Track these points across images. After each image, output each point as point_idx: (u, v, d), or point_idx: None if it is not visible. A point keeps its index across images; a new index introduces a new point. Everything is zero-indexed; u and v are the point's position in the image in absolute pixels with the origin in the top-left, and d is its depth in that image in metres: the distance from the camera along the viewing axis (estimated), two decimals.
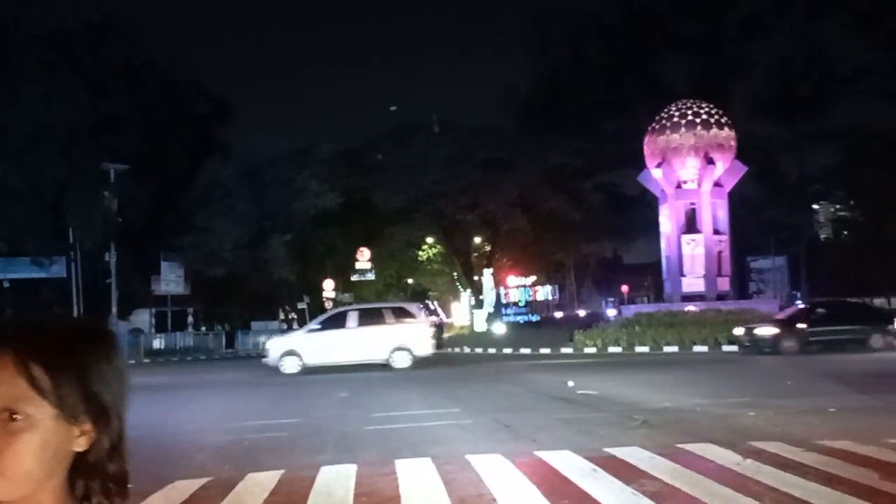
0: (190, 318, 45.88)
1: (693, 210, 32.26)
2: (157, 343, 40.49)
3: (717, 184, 31.99)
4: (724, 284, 32.35)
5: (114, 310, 38.83)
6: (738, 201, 36.35)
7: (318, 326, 23.40)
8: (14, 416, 1.07)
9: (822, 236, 54.90)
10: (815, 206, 53.09)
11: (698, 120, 31.34)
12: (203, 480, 8.08)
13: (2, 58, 35.75)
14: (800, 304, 31.57)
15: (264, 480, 7.99)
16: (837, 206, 54.77)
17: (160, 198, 40.26)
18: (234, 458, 9.31)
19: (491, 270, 55.83)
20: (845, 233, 54.79)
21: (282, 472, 8.32)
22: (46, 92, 35.58)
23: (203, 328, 45.37)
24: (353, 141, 49.00)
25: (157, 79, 41.44)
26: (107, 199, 38.02)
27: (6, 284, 39.83)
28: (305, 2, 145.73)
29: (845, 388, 14.13)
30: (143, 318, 44.43)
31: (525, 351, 29.79)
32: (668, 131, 31.64)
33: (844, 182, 49.85)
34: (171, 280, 41.94)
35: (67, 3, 38.65)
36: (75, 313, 37.89)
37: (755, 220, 46.14)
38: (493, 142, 44.64)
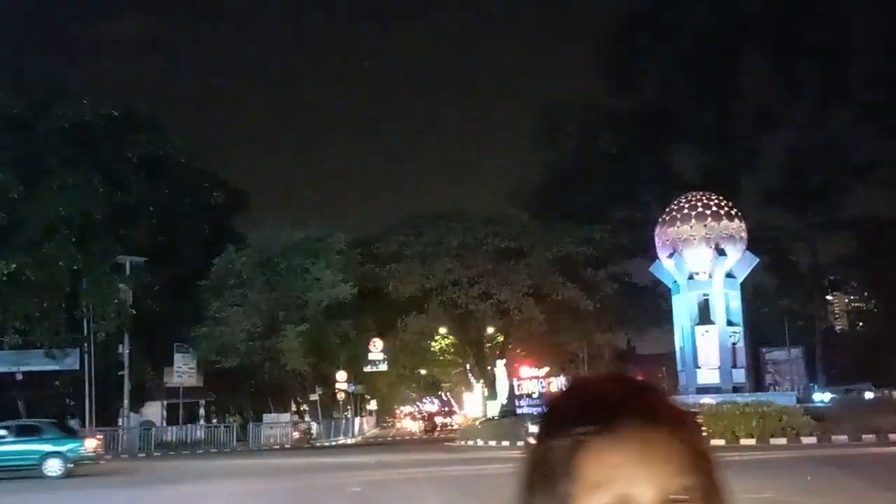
0: (202, 411, 45.56)
1: (706, 301, 32.15)
2: (169, 436, 40.15)
3: (730, 274, 31.96)
4: (739, 376, 31.99)
5: (125, 402, 38.65)
6: (752, 292, 36.29)
7: None
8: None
9: (838, 327, 54.48)
10: (829, 297, 52.82)
11: (708, 211, 31.50)
12: None
13: (23, 151, 36.56)
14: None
15: None
16: (852, 297, 54.52)
17: (174, 288, 40.50)
18: None
19: (504, 361, 55.40)
20: (861, 323, 54.39)
21: None
22: (65, 184, 36.26)
23: (215, 420, 45.03)
24: (366, 230, 49.40)
25: (173, 170, 42.19)
26: (122, 290, 38.24)
27: (19, 377, 39.74)
28: (317, 94, 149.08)
29: (866, 484, 13.82)
30: (154, 410, 44.16)
31: None
32: (678, 223, 31.78)
33: (858, 272, 49.75)
34: (183, 371, 41.80)
35: (88, 99, 39.69)
36: (87, 406, 37.87)
37: (769, 311, 45.94)
38: (505, 231, 44.86)
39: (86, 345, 38.68)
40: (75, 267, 37.96)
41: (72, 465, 22.41)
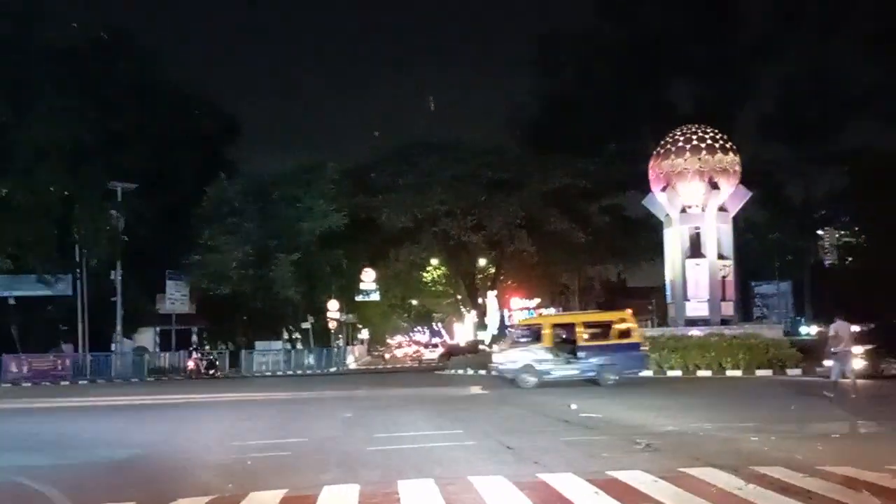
0: (194, 338, 45.88)
1: (697, 234, 32.19)
2: (162, 362, 40.50)
3: (722, 208, 31.96)
4: (728, 309, 32.20)
5: (118, 328, 38.86)
6: (744, 226, 36.34)
7: None
8: None
9: (828, 262, 54.75)
10: (819, 232, 52.95)
11: (703, 144, 31.33)
12: (206, 499, 8.09)
13: (12, 74, 36.02)
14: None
15: (267, 499, 8.00)
16: (842, 232, 54.63)
17: (166, 216, 40.36)
18: (237, 477, 9.31)
19: (495, 292, 55.75)
20: (850, 259, 54.62)
21: (285, 491, 8.32)
22: (55, 109, 35.78)
23: (207, 347, 45.34)
24: (359, 160, 49.01)
25: (165, 97, 41.65)
26: (113, 216, 38.15)
27: (11, 301, 39.87)
28: (312, 23, 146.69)
29: (851, 414, 14.09)
30: (147, 336, 44.51)
31: None
32: (672, 155, 31.64)
33: (849, 207, 49.77)
34: (176, 299, 42.01)
35: (78, 22, 38.96)
36: (80, 331, 38.02)
37: (760, 245, 46.03)
38: (498, 162, 44.63)
39: (78, 271, 38.74)
40: (67, 193, 37.76)
41: None
